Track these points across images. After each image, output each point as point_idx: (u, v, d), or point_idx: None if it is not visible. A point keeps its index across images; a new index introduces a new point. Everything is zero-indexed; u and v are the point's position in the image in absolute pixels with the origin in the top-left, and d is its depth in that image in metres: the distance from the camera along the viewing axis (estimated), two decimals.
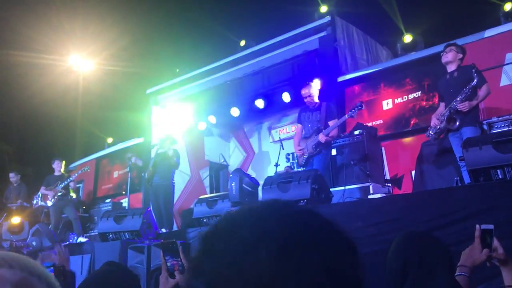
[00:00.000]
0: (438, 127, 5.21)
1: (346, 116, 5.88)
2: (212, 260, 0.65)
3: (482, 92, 4.96)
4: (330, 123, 5.92)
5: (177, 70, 10.54)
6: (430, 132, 5.35)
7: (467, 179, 4.80)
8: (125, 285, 2.02)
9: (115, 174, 11.49)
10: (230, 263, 0.63)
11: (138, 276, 3.58)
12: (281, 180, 5.11)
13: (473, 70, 4.91)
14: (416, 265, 1.73)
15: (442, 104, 5.34)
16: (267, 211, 0.69)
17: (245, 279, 0.61)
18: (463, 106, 4.91)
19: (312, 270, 0.62)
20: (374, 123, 7.56)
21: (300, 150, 6.07)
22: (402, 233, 1.89)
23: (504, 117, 5.57)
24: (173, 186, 7.62)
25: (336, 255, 0.65)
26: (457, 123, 4.99)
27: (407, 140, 7.31)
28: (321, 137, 5.77)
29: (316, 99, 6.16)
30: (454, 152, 5.21)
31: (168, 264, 2.11)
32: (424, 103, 7.21)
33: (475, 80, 4.86)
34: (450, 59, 5.19)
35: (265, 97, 9.22)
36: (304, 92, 6.20)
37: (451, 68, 5.23)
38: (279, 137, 9.09)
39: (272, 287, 0.60)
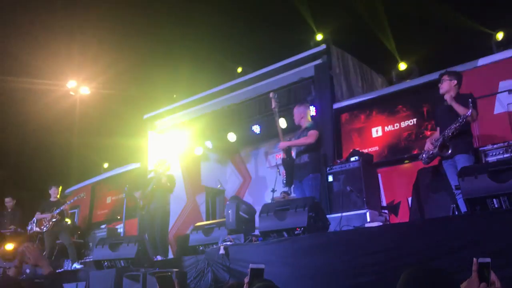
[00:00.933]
0: (431, 152, 5.26)
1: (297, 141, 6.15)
2: None
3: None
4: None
5: (174, 96, 10.62)
6: (423, 155, 5.40)
7: (463, 207, 4.81)
8: None
9: (111, 199, 11.43)
10: None
11: None
12: (278, 208, 5.10)
13: (470, 100, 4.96)
14: None
15: (438, 130, 5.41)
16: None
17: None
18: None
19: None
20: (370, 149, 7.60)
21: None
22: (411, 270, 1.88)
23: (499, 145, 5.61)
24: (169, 213, 7.59)
25: None
26: (450, 151, 5.04)
27: (404, 167, 7.35)
28: (281, 143, 6.10)
29: (303, 122, 6.28)
30: (448, 179, 5.25)
31: None
32: (420, 130, 7.27)
33: (470, 111, 4.91)
34: (445, 89, 5.28)
35: (261, 122, 9.29)
36: (295, 110, 6.37)
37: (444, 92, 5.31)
38: (276, 162, 9.10)
39: None
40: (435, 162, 5.51)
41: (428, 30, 8.86)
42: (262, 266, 2.65)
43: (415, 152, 7.16)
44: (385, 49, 9.01)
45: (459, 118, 4.99)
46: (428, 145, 5.29)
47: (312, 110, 6.80)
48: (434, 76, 6.15)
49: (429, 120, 7.11)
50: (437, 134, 5.39)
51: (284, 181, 6.15)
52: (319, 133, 6.04)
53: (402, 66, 8.61)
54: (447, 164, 5.18)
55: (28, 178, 14.38)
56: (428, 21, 8.80)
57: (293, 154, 6.23)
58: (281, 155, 10.09)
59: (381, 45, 9.06)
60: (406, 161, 7.33)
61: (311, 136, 5.97)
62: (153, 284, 5.23)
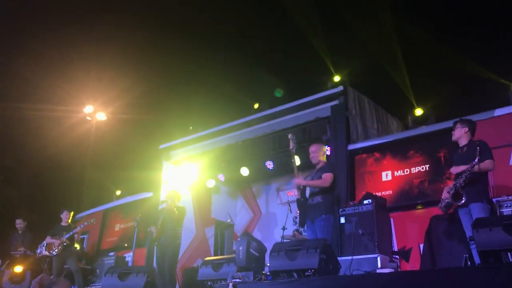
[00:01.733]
0: (447, 200, 5.25)
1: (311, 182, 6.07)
2: None
3: (483, 164, 4.99)
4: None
5: (191, 128, 10.75)
6: (441, 204, 5.36)
7: (476, 257, 4.77)
8: None
9: (121, 227, 11.45)
10: None
11: None
12: (289, 248, 5.08)
13: (478, 148, 4.98)
14: None
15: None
16: None
17: None
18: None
19: None
20: (383, 193, 7.58)
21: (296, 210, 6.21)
22: None
23: None
24: (179, 246, 7.59)
25: None
26: (463, 200, 5.01)
27: (416, 212, 7.30)
28: (296, 180, 5.98)
29: (319, 159, 6.28)
30: (463, 228, 5.21)
31: None
32: (434, 177, 7.25)
33: (476, 159, 4.93)
34: (456, 136, 5.37)
35: (275, 158, 9.36)
36: (311, 149, 6.37)
37: (462, 143, 5.36)
38: (287, 199, 9.09)
39: None
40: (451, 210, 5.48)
41: (446, 77, 8.98)
42: None
43: (428, 198, 7.13)
44: (402, 94, 9.11)
45: (468, 167, 5.00)
46: (444, 194, 5.28)
47: (327, 150, 6.82)
48: (450, 123, 6.19)
49: (444, 167, 7.09)
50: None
51: (297, 221, 6.12)
52: (333, 175, 6.04)
53: (418, 111, 8.67)
54: (462, 212, 5.16)
55: (41, 201, 14.52)
56: (447, 69, 8.92)
57: (307, 193, 6.22)
58: (293, 193, 10.17)
59: (398, 89, 9.17)
60: (419, 207, 7.28)
61: (326, 180, 5.96)
62: None
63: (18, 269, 8.21)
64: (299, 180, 6.07)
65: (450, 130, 5.64)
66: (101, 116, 14.98)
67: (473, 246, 4.85)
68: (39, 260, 9.28)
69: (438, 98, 8.72)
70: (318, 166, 6.27)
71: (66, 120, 14.16)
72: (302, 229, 8.62)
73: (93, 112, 14.89)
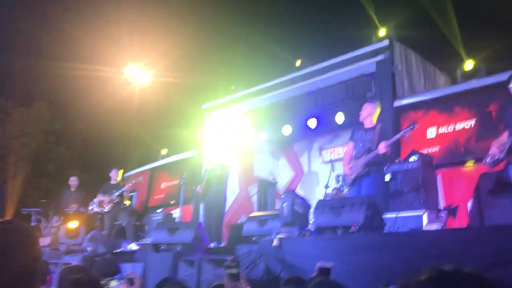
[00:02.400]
0: (497, 157, 5.05)
1: (398, 135, 5.83)
2: None
3: None
4: None
5: (232, 87, 10.75)
6: (488, 160, 5.17)
7: None
8: None
9: (167, 185, 11.79)
10: None
11: None
12: (333, 205, 5.11)
13: None
14: None
15: (506, 133, 5.16)
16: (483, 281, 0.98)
17: None
18: None
19: None
20: (430, 149, 7.41)
21: (349, 169, 6.05)
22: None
23: None
24: (225, 203, 7.77)
25: None
26: None
27: (464, 169, 7.12)
28: (381, 147, 5.71)
29: (373, 121, 6.14)
30: None
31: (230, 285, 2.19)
32: (483, 132, 6.99)
33: None
34: None
35: (317, 117, 9.26)
36: (365, 106, 6.21)
37: None
38: (330, 158, 9.05)
39: None
40: (500, 166, 5.30)
41: (498, 26, 8.46)
42: (330, 265, 2.68)
43: (477, 155, 6.92)
44: (451, 46, 8.69)
45: None
46: (493, 150, 5.08)
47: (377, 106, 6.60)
48: (503, 76, 5.88)
49: (494, 123, 6.82)
50: (504, 137, 5.16)
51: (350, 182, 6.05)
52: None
53: (468, 65, 8.26)
54: None
55: (90, 160, 15.12)
56: (499, 17, 8.40)
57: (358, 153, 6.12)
58: (335, 152, 10.09)
59: (447, 42, 8.74)
60: (468, 164, 7.09)
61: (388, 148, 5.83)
62: (207, 270, 5.41)
63: (73, 224, 8.64)
64: (384, 147, 5.81)
65: (503, 84, 5.36)
66: (145, 77, 15.20)
67: None
68: (91, 216, 9.74)
69: (489, 50, 8.27)
70: (366, 126, 6.11)
71: (111, 81, 14.47)
72: (344, 187, 8.61)
73: (137, 73, 15.12)
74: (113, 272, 6.33)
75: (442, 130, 7.56)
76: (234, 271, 2.10)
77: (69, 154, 16.21)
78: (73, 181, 10.11)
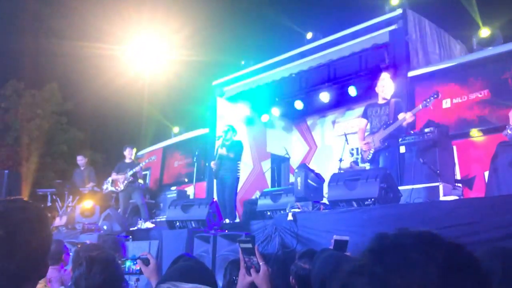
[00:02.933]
0: None
1: (422, 104, 5.75)
2: (381, 266, 0.81)
3: None
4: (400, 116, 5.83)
5: (242, 63, 10.63)
6: (508, 131, 5.07)
7: None
8: (204, 281, 2.09)
9: (181, 163, 11.82)
10: (399, 272, 0.79)
11: (213, 272, 3.68)
12: (348, 178, 5.05)
13: None
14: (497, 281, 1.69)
15: None
16: (430, 239, 0.85)
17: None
18: None
19: None
20: (445, 120, 7.27)
21: (366, 144, 6.00)
22: (485, 249, 1.87)
23: None
24: (238, 179, 7.75)
25: (481, 281, 0.83)
26: None
27: (481, 139, 6.98)
28: (408, 116, 5.66)
29: (388, 95, 6.05)
30: None
31: (245, 260, 2.15)
32: (500, 101, 6.83)
33: None
34: None
35: (330, 90, 9.14)
36: (379, 82, 6.12)
37: None
38: (344, 132, 8.94)
39: None
40: None
41: None
42: (346, 238, 2.64)
43: (494, 125, 6.77)
44: (466, 14, 8.43)
45: None
46: None
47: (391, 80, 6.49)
48: None
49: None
50: None
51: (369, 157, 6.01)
52: None
53: (485, 32, 8.02)
54: None
55: (103, 140, 15.21)
56: None
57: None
58: (348, 124, 9.99)
59: (462, 9, 8.49)
60: (484, 134, 6.95)
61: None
62: (222, 245, 5.41)
63: (88, 204, 8.71)
64: (411, 116, 5.76)
65: None
66: (154, 55, 15.15)
67: None
68: (106, 195, 9.83)
69: (505, 17, 8.01)
70: (384, 102, 6.04)
71: (122, 59, 14.42)
72: (358, 159, 8.54)
73: (146, 51, 15.06)
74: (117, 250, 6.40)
75: (458, 100, 7.40)
76: (248, 245, 2.06)
77: (82, 134, 16.30)
78: (80, 160, 10.20)
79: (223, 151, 7.56)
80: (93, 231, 7.73)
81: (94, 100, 14.97)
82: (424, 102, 5.71)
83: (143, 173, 10.20)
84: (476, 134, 7.08)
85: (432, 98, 5.66)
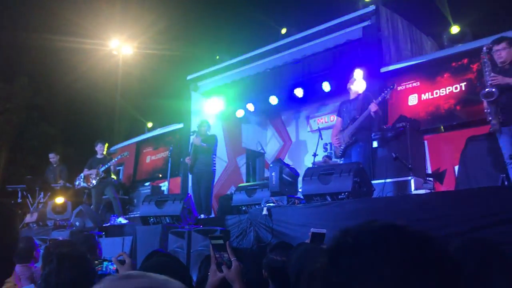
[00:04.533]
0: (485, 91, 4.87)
1: (380, 98, 5.88)
2: (338, 273, 0.75)
3: None
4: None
5: (217, 57, 10.58)
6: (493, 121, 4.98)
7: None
8: (179, 277, 2.08)
9: (155, 158, 11.71)
10: (356, 278, 0.73)
11: (187, 267, 3.67)
12: (322, 172, 5.09)
13: None
14: (472, 274, 1.73)
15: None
16: (387, 234, 0.78)
17: None
18: (494, 79, 4.70)
19: None
20: (417, 115, 7.41)
21: (337, 140, 6.09)
22: (460, 241, 1.90)
23: None
24: (214, 173, 7.73)
25: (446, 278, 0.75)
26: (495, 95, 4.68)
27: (451, 134, 7.14)
28: (372, 106, 5.74)
29: (360, 90, 6.14)
30: (501, 147, 5.00)
31: (216, 256, 2.15)
32: (470, 96, 6.99)
33: None
34: (504, 58, 4.86)
35: (304, 86, 9.17)
36: (351, 80, 6.21)
37: (505, 61, 4.92)
38: (318, 127, 9.01)
39: None
40: (486, 130, 5.29)
41: None
42: (323, 231, 2.66)
43: (464, 120, 6.94)
44: (437, 11, 8.59)
45: None
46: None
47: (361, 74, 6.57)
48: (488, 40, 5.82)
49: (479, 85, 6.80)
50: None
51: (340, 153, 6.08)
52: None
53: (455, 29, 8.19)
54: (504, 130, 4.79)
55: (75, 135, 14.92)
56: None
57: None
58: (323, 120, 10.07)
59: (433, 6, 8.64)
60: (454, 129, 7.11)
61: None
62: (197, 241, 5.40)
63: (60, 200, 8.56)
64: (375, 106, 5.84)
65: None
66: (128, 50, 14.93)
67: (510, 166, 4.71)
68: (78, 191, 9.67)
69: (475, 14, 8.20)
70: (355, 95, 6.12)
71: (94, 54, 14.18)
72: (332, 154, 8.62)
73: (120, 46, 14.83)
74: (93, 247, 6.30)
75: (428, 95, 7.55)
76: (219, 241, 2.05)
77: (53, 129, 15.96)
78: (52, 157, 10.08)
79: (197, 141, 7.52)
80: (65, 228, 7.60)
81: (66, 95, 14.66)
82: (383, 94, 5.86)
83: (117, 168, 10.08)
84: (448, 129, 7.24)
85: (389, 89, 5.85)
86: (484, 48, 4.98)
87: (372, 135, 6.31)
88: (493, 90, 4.68)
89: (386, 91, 5.85)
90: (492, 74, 4.77)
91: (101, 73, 14.41)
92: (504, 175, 5.04)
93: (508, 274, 1.78)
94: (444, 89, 7.37)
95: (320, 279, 0.78)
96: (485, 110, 4.90)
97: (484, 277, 1.74)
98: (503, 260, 1.77)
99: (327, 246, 0.81)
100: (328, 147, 9.59)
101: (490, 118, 4.81)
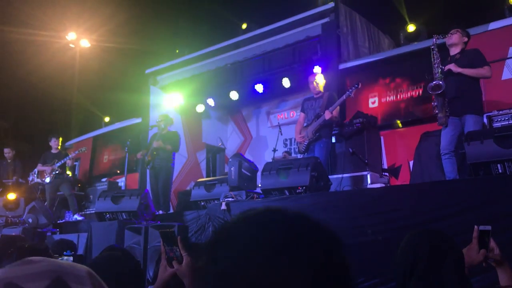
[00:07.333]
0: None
1: (341, 98, 5.95)
2: (216, 265, 0.73)
3: (482, 70, 4.78)
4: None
5: (177, 51, 10.45)
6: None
7: (447, 170, 4.78)
8: (129, 271, 2.03)
9: (112, 153, 11.46)
10: (233, 268, 0.71)
11: (140, 262, 3.59)
12: (280, 167, 5.12)
13: (475, 53, 4.83)
14: (425, 260, 1.76)
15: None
16: (259, 220, 0.76)
17: (250, 282, 0.69)
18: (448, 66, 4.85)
19: (300, 275, 0.69)
20: (373, 112, 7.56)
21: (301, 137, 6.11)
22: (415, 230, 1.94)
23: (505, 111, 5.56)
24: (173, 169, 7.62)
25: (324, 259, 0.72)
26: (442, 87, 4.79)
27: (406, 130, 7.32)
28: (327, 114, 5.79)
29: (321, 88, 6.20)
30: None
31: (166, 251, 2.10)
32: (425, 93, 7.18)
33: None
34: (454, 41, 4.97)
35: (264, 81, 9.19)
36: (311, 79, 6.24)
37: (454, 51, 5.03)
38: (278, 122, 9.06)
39: None
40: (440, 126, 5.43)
41: None
42: None
43: (419, 116, 7.14)
44: (394, 9, 8.78)
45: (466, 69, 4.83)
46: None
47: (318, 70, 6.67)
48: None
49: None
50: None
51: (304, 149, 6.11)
52: None
53: (411, 28, 8.41)
54: (451, 120, 4.87)
55: (29, 130, 14.40)
56: None
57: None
58: (283, 115, 10.13)
59: (391, 4, 8.82)
60: (409, 125, 7.30)
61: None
62: (154, 237, 5.31)
63: (12, 196, 8.24)
64: (329, 113, 5.85)
65: (443, 46, 5.40)
66: (85, 42, 14.54)
67: (444, 157, 4.83)
68: (32, 187, 9.34)
69: (431, 13, 8.42)
70: (318, 96, 6.18)
71: (50, 46, 13.70)
72: (292, 149, 8.69)
73: (77, 39, 14.42)
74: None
75: (385, 92, 7.71)
76: (170, 235, 2.01)
77: (5, 123, 15.35)
78: (7, 153, 9.69)
79: (159, 144, 7.34)
80: (18, 225, 7.33)
81: (20, 88, 14.11)
82: (347, 92, 5.92)
83: (73, 164, 9.80)
84: (401, 125, 7.42)
85: (354, 88, 5.89)
86: (434, 38, 5.09)
87: (333, 131, 6.40)
88: (440, 82, 4.81)
89: (351, 90, 5.90)
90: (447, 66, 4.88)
91: (57, 66, 13.94)
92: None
93: (457, 264, 1.83)
94: (400, 86, 7.55)
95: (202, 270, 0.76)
96: (433, 104, 4.99)
97: (435, 267, 1.78)
98: (452, 250, 1.82)
99: (206, 242, 0.80)
100: (288, 142, 9.67)
101: (437, 111, 4.92)
